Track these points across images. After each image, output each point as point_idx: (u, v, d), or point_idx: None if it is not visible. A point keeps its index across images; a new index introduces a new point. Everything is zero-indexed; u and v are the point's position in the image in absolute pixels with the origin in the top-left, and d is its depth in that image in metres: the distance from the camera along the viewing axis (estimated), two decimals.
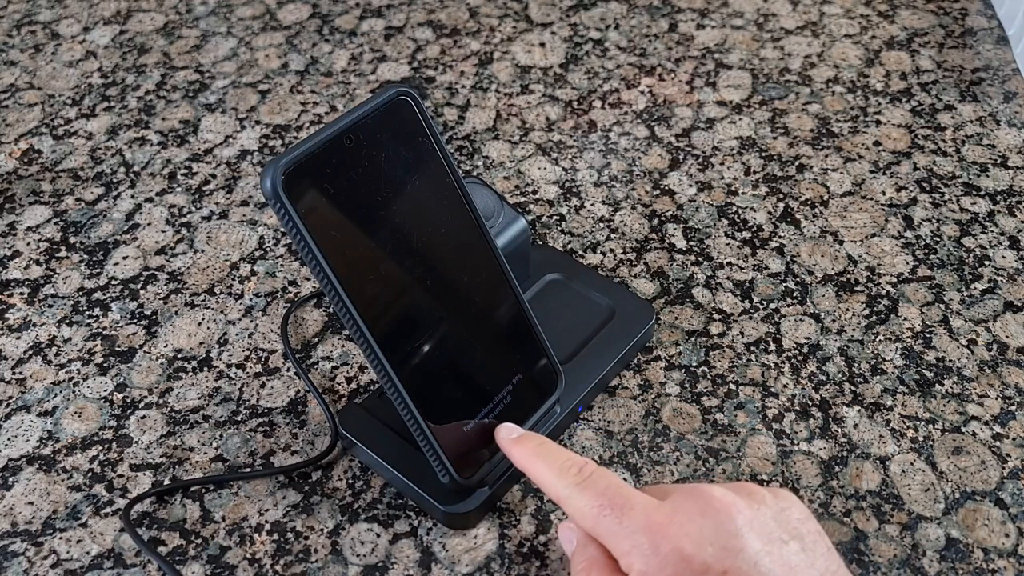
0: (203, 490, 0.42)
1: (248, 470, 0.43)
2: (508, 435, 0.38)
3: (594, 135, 0.60)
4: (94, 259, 0.53)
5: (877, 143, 0.59)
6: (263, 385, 0.47)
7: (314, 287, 0.51)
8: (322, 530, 0.41)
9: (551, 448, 0.36)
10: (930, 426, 0.44)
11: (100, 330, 0.50)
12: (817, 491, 0.42)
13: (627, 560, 0.32)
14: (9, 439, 0.45)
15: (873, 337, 0.48)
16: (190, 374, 0.47)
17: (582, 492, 0.33)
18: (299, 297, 0.51)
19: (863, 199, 0.56)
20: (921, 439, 0.44)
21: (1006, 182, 0.56)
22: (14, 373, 0.48)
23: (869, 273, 0.51)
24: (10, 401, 0.46)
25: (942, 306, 0.49)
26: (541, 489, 0.36)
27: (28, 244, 0.54)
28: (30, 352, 0.49)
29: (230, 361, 0.48)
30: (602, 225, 0.54)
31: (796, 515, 0.33)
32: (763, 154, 0.59)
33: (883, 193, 0.56)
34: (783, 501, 0.33)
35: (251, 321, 0.50)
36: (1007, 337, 0.48)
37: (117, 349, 0.49)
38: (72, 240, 0.55)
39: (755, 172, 0.57)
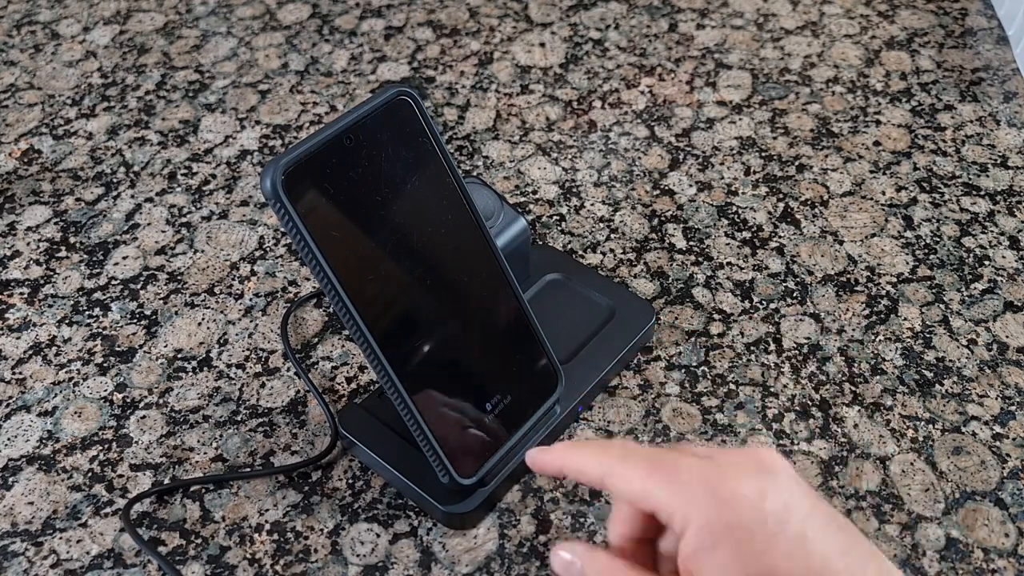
0: (203, 490, 0.42)
1: (248, 470, 0.43)
2: (537, 452, 0.36)
3: (594, 135, 0.60)
4: (94, 259, 0.53)
5: (877, 143, 0.59)
6: (263, 385, 0.47)
7: (314, 287, 0.51)
8: (322, 530, 0.41)
9: (584, 441, 0.36)
10: (930, 426, 0.44)
11: (100, 330, 0.50)
12: (817, 491, 0.42)
13: (682, 515, 0.30)
14: (9, 439, 0.45)
15: (873, 337, 0.48)
16: (190, 374, 0.47)
17: (626, 461, 0.32)
18: (299, 297, 0.51)
19: (863, 199, 0.56)
20: (921, 439, 0.44)
21: (1006, 182, 0.56)
22: (14, 373, 0.48)
23: (869, 273, 0.51)
24: (10, 401, 0.46)
25: (942, 306, 0.49)
26: (582, 481, 0.34)
27: (28, 244, 0.54)
28: (30, 352, 0.49)
29: (230, 361, 0.48)
30: (602, 225, 0.54)
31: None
32: (763, 154, 0.59)
33: (883, 193, 0.56)
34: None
35: (251, 321, 0.50)
36: (1007, 337, 0.48)
37: (117, 349, 0.49)
38: (72, 240, 0.55)
39: (755, 172, 0.57)
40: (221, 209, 0.56)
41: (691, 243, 0.53)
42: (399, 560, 0.40)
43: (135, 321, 0.50)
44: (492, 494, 0.40)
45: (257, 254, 0.53)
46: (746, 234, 0.54)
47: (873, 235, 0.53)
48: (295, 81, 0.65)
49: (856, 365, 0.47)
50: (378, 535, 0.41)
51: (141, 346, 0.49)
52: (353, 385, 0.47)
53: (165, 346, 0.49)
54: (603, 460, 0.33)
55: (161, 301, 0.51)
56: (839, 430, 0.44)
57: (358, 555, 0.40)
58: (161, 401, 0.46)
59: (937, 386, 0.46)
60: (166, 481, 0.43)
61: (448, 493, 0.40)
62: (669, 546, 0.33)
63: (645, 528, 0.33)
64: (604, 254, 0.53)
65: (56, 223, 0.56)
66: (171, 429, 0.45)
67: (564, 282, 0.49)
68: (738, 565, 0.28)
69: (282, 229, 0.50)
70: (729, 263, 0.52)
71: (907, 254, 0.52)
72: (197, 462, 0.43)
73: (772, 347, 0.48)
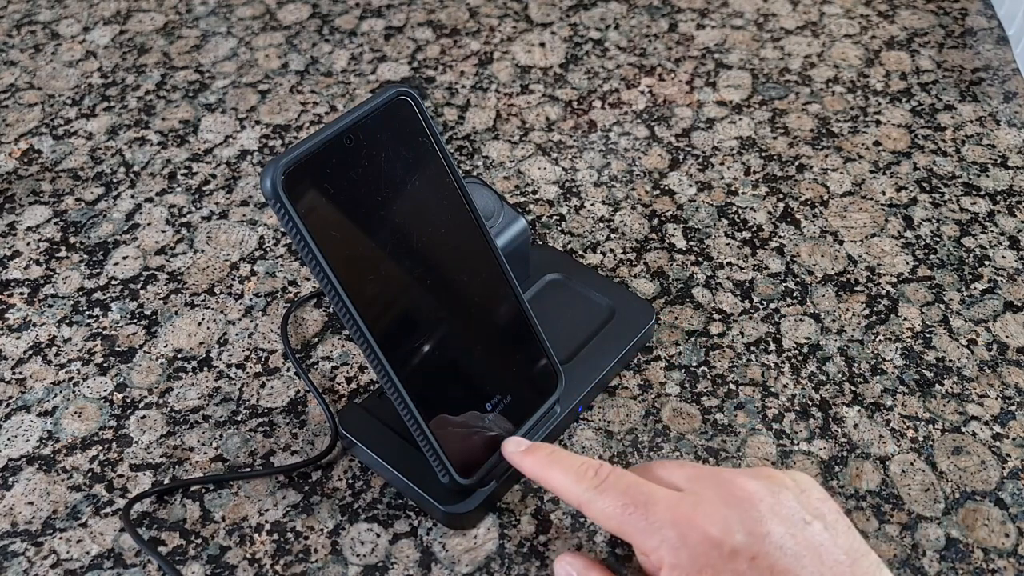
0: (203, 490, 0.42)
1: (248, 470, 0.43)
2: (516, 448, 0.38)
3: (594, 135, 0.60)
4: (94, 259, 0.53)
5: (877, 143, 0.59)
6: (263, 385, 0.47)
7: (314, 287, 0.51)
8: (322, 530, 0.41)
9: (564, 454, 0.36)
10: (930, 426, 0.44)
11: (100, 330, 0.50)
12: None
13: (657, 555, 0.32)
14: (9, 439, 0.45)
15: (873, 337, 0.48)
16: (190, 374, 0.47)
17: (603, 494, 0.34)
18: (299, 297, 0.51)
19: (863, 199, 0.56)
20: (921, 439, 0.44)
21: (1006, 182, 0.56)
22: (14, 373, 0.48)
23: (869, 273, 0.51)
24: (10, 401, 0.46)
25: (942, 306, 0.49)
26: (559, 497, 0.36)
27: (28, 244, 0.54)
28: (30, 352, 0.49)
29: (230, 361, 0.48)
30: (602, 225, 0.54)
31: (816, 495, 0.34)
32: (763, 154, 0.59)
33: (883, 193, 0.56)
34: (802, 483, 0.34)
35: (251, 321, 0.50)
36: (1007, 337, 0.48)
37: (117, 349, 0.49)
38: (72, 240, 0.55)
39: (755, 172, 0.57)
40: (221, 209, 0.56)
41: (691, 243, 0.53)
42: (399, 560, 0.40)
43: (135, 321, 0.50)
44: (492, 494, 0.40)
45: (257, 254, 0.53)
46: (746, 234, 0.54)
47: (873, 235, 0.53)
48: (295, 81, 0.65)
49: (856, 365, 0.47)
50: (378, 535, 0.41)
51: (141, 346, 0.49)
52: (353, 385, 0.47)
53: (165, 346, 0.49)
54: (581, 487, 0.34)
55: (161, 301, 0.51)
56: (839, 430, 0.44)
57: (358, 555, 0.40)
58: (161, 401, 0.46)
59: (937, 386, 0.46)
60: (166, 481, 0.43)
61: (448, 493, 0.40)
62: None
63: None
64: (604, 254, 0.53)
65: (56, 223, 0.56)
66: (171, 429, 0.45)
67: (564, 282, 0.49)
68: None
69: (282, 229, 0.50)
70: (729, 263, 0.52)
71: (907, 254, 0.52)
72: (197, 462, 0.44)
73: (772, 347, 0.48)
